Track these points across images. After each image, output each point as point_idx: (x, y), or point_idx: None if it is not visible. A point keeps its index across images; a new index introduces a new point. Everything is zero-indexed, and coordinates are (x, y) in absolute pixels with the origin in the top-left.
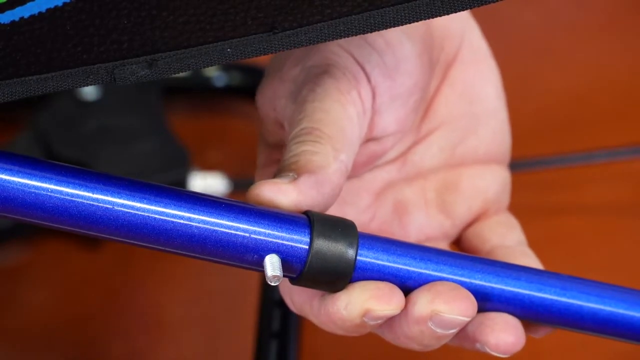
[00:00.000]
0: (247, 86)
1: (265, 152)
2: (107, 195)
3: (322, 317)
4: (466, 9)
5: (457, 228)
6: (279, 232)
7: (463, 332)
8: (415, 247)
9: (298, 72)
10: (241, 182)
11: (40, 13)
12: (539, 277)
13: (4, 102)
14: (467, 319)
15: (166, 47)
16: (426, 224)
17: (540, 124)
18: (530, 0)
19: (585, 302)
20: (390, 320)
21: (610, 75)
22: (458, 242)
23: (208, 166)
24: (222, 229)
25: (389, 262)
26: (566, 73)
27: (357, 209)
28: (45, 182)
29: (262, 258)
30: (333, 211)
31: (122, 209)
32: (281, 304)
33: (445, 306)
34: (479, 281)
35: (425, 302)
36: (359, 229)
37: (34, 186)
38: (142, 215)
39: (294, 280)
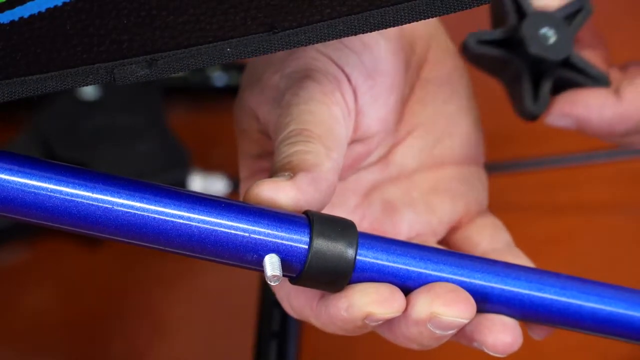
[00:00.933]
0: None
1: (247, 165)
2: (107, 195)
3: (323, 318)
4: (466, 8)
5: (444, 225)
6: (278, 231)
7: (461, 331)
8: (415, 246)
9: (279, 79)
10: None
11: (40, 13)
12: (539, 277)
13: (4, 102)
14: (466, 321)
15: (166, 47)
16: (416, 221)
17: (540, 124)
18: None
19: (585, 302)
20: (389, 321)
21: None
22: (447, 246)
23: (208, 166)
24: (222, 229)
25: (389, 261)
26: None
27: (347, 210)
28: (45, 182)
29: (261, 258)
30: None
31: (122, 208)
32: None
33: (444, 308)
34: (478, 281)
35: (424, 304)
36: None
37: (33, 186)
38: (142, 215)
39: (293, 280)
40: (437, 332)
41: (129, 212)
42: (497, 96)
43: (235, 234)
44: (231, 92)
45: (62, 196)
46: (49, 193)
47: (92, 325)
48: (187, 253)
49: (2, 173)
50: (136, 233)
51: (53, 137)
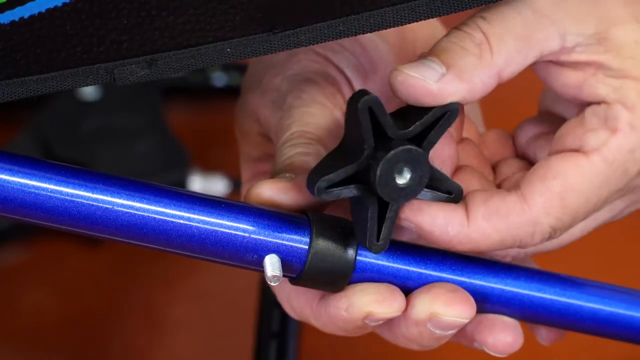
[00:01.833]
0: None
1: (249, 167)
2: (107, 195)
3: (323, 319)
4: (466, 8)
5: None
6: (278, 232)
7: (462, 331)
8: (415, 247)
9: (280, 82)
10: (241, 182)
11: (40, 13)
12: (539, 277)
13: (4, 102)
14: (466, 321)
15: (166, 47)
16: None
17: None
18: None
19: (585, 302)
20: (389, 322)
21: None
22: None
23: (208, 166)
24: (222, 229)
25: (389, 262)
26: None
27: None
28: (45, 182)
29: (261, 258)
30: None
31: (122, 209)
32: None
33: (444, 308)
34: (478, 281)
35: (424, 304)
36: None
37: (33, 186)
38: (142, 215)
39: (293, 280)
40: (437, 332)
41: (129, 212)
42: (499, 97)
43: (235, 234)
44: (231, 92)
45: (62, 196)
46: (49, 193)
47: (91, 325)
48: (187, 253)
49: (2, 173)
50: (136, 233)
51: (53, 137)
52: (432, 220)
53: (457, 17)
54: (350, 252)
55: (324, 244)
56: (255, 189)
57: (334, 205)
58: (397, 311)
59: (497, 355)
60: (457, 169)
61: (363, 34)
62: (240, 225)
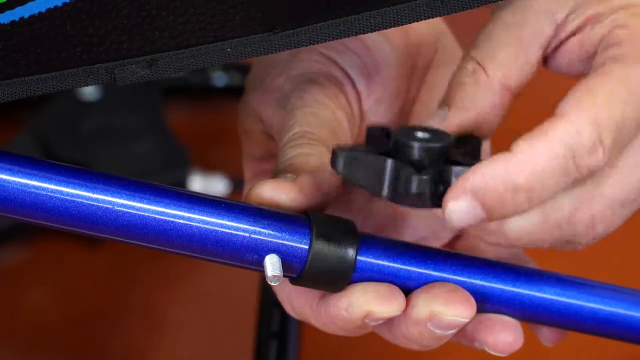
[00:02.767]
0: None
1: (251, 166)
2: (107, 195)
3: (323, 318)
4: (466, 9)
5: (449, 230)
6: (279, 232)
7: (462, 331)
8: (415, 247)
9: (283, 81)
10: (241, 182)
11: (40, 13)
12: (539, 277)
13: (4, 102)
14: (466, 320)
15: (166, 47)
16: (419, 225)
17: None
18: None
19: (585, 302)
20: (389, 321)
21: None
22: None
23: (208, 166)
24: (222, 229)
25: (389, 262)
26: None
27: (350, 212)
28: (45, 182)
29: (262, 258)
30: None
31: (122, 209)
32: (281, 304)
33: (444, 308)
34: (479, 281)
35: (424, 303)
36: None
37: (34, 186)
38: (142, 215)
39: (294, 280)
40: (437, 331)
41: (129, 212)
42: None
43: (235, 234)
44: (231, 92)
45: (62, 196)
46: (49, 193)
47: (91, 325)
48: (188, 253)
49: (2, 173)
50: (136, 233)
51: (53, 137)
52: (482, 173)
53: (458, 17)
54: (351, 252)
55: (324, 244)
56: (256, 189)
57: (335, 205)
58: (397, 311)
59: (497, 354)
60: None
61: (363, 33)
62: (241, 225)
